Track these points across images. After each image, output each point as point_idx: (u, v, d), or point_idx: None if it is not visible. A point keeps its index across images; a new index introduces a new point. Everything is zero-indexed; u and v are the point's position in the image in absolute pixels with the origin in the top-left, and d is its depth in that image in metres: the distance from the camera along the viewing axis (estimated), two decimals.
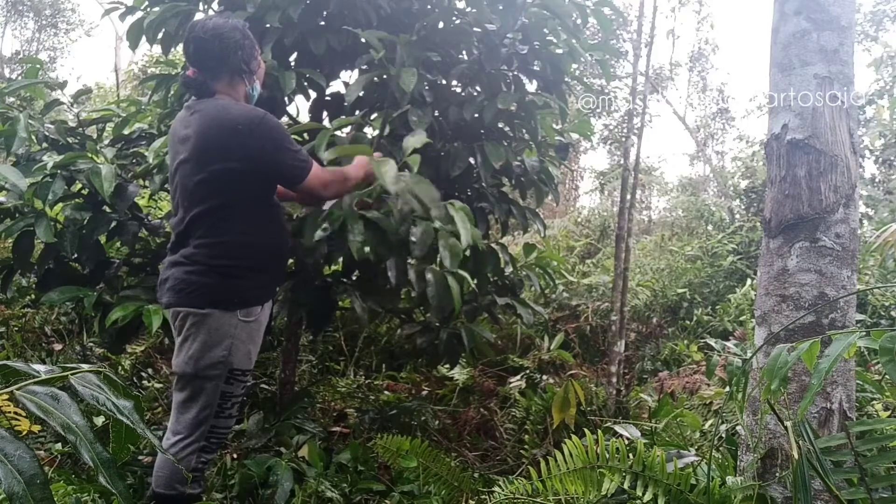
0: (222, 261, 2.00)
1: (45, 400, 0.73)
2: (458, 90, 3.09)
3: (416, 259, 2.48)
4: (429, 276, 2.61)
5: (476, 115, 2.83)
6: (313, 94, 3.02)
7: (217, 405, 2.01)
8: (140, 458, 2.64)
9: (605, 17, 3.00)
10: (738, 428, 2.18)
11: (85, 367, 0.83)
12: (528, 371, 4.38)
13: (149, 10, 2.87)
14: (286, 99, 2.87)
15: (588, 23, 3.09)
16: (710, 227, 8.55)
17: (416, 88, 2.53)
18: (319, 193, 2.15)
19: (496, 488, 2.23)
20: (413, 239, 2.29)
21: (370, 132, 2.67)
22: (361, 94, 2.77)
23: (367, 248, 2.26)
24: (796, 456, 1.42)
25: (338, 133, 2.79)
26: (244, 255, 2.02)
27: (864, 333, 1.21)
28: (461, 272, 2.52)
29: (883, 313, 4.81)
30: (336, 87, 3.12)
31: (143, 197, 3.62)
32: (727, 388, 3.00)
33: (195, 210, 2.00)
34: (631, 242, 5.48)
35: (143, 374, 3.95)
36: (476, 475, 2.91)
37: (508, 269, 3.33)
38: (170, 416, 2.09)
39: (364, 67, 2.74)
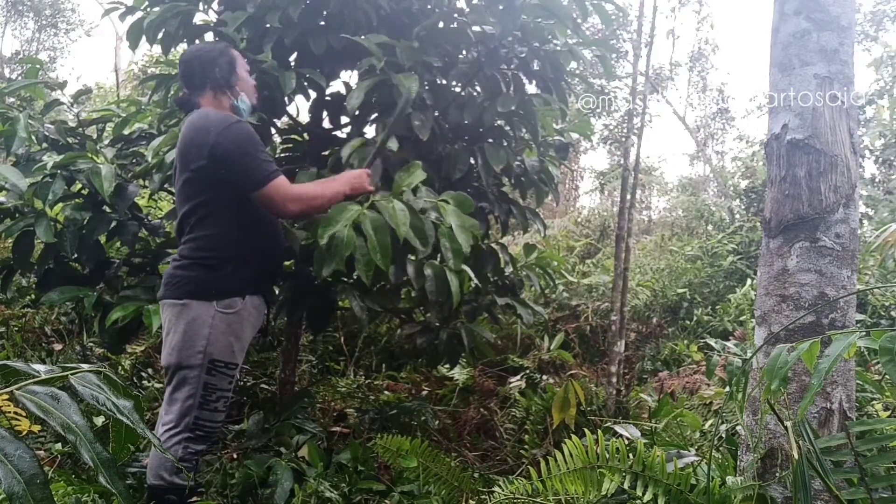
0: (203, 253, 2.11)
1: (45, 400, 0.73)
2: (458, 90, 3.09)
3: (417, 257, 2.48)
4: (427, 271, 2.60)
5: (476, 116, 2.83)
6: (313, 94, 3.01)
7: (201, 396, 2.07)
8: (140, 457, 2.64)
9: (606, 12, 2.99)
10: (738, 428, 2.18)
11: (85, 367, 0.83)
12: (528, 371, 4.38)
13: (149, 10, 2.86)
14: (286, 99, 2.87)
15: (588, 19, 3.09)
16: (710, 227, 8.54)
17: (417, 93, 2.54)
18: (279, 207, 2.13)
19: (496, 488, 2.23)
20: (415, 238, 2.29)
21: (370, 131, 2.67)
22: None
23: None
24: (796, 456, 1.42)
25: (337, 133, 2.80)
26: (224, 247, 2.11)
27: (864, 333, 1.21)
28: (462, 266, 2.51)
29: (883, 313, 4.81)
30: (336, 87, 3.13)
31: (143, 197, 3.63)
32: (727, 388, 3.00)
33: (184, 209, 2.14)
34: (631, 242, 5.48)
35: (143, 374, 3.95)
36: (476, 475, 2.91)
37: (508, 269, 3.33)
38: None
39: (365, 70, 2.74)
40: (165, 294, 2.13)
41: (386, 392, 4.02)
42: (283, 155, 3.27)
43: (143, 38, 2.89)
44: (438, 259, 2.62)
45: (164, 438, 2.05)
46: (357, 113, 2.90)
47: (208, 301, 2.06)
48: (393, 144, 2.53)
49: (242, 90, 2.28)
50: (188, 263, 2.11)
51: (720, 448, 2.43)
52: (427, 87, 2.78)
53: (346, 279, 2.94)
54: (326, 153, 3.05)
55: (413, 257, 2.60)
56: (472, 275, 2.86)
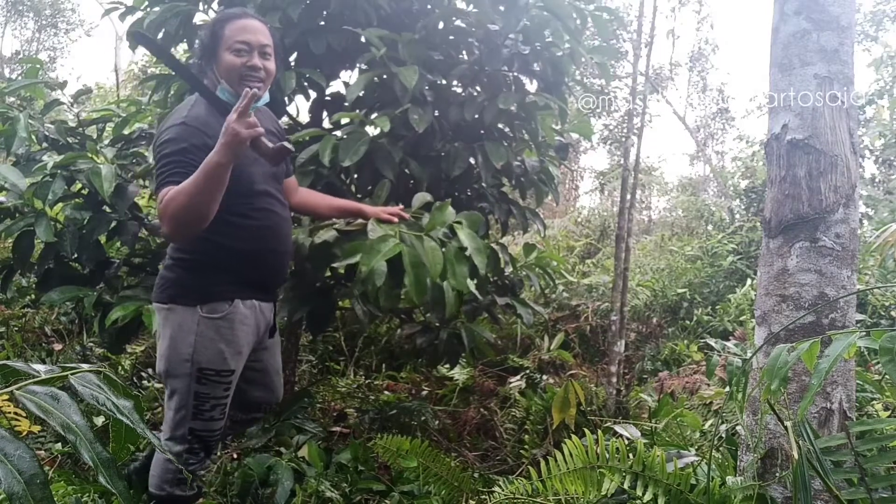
0: (181, 253, 1.98)
1: (45, 400, 0.73)
2: (459, 91, 3.09)
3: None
4: (427, 280, 2.60)
5: (476, 116, 2.83)
6: (313, 94, 3.02)
7: (193, 406, 1.93)
8: (139, 457, 2.64)
9: (603, 21, 3.02)
10: (738, 428, 2.18)
11: (85, 367, 0.83)
12: (528, 371, 4.38)
13: (149, 10, 2.87)
14: (286, 99, 2.87)
15: (587, 25, 3.10)
16: (710, 227, 8.55)
17: (417, 88, 2.54)
18: (161, 218, 1.83)
19: (496, 488, 2.23)
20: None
21: (370, 131, 2.67)
22: (361, 93, 2.77)
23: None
24: (796, 456, 1.42)
25: (336, 133, 2.81)
26: (200, 250, 1.94)
27: (864, 333, 1.21)
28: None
29: (883, 313, 4.81)
30: (336, 87, 3.13)
31: (143, 197, 3.63)
32: (727, 388, 3.00)
33: None
34: (631, 242, 5.48)
35: (143, 374, 3.95)
36: (476, 475, 2.91)
37: (508, 269, 3.33)
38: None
39: (364, 67, 2.74)
40: (153, 297, 2.03)
41: (386, 392, 4.02)
42: None
43: None
44: None
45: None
46: (357, 111, 2.91)
47: (192, 306, 1.92)
48: (385, 125, 2.51)
49: (222, 76, 1.95)
50: (170, 264, 1.99)
51: (720, 448, 2.43)
52: (428, 87, 2.79)
53: (345, 281, 2.94)
54: None
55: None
56: (473, 288, 2.83)
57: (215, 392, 1.96)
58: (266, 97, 2.05)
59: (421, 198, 2.51)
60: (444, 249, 2.23)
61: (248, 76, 1.94)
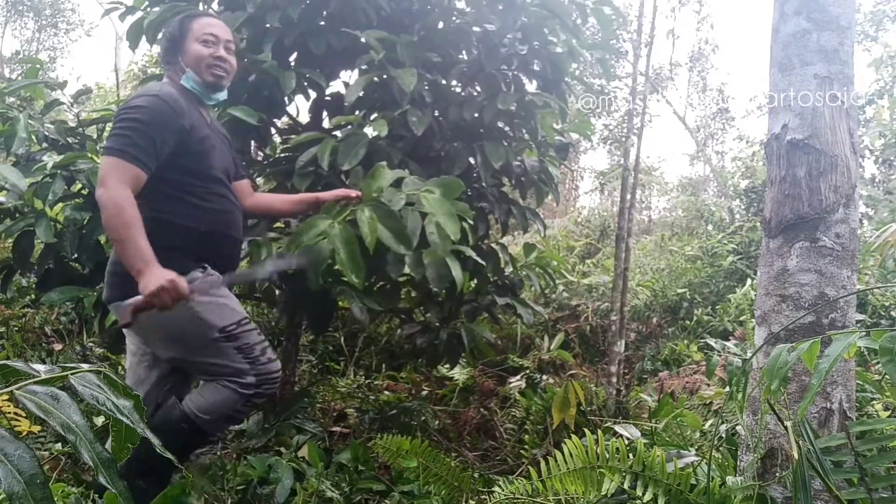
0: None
1: (45, 400, 0.73)
2: (458, 90, 3.09)
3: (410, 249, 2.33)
4: (426, 259, 2.58)
5: (476, 115, 2.83)
6: (313, 94, 3.02)
7: (245, 360, 1.95)
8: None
9: (605, 16, 3.01)
10: (738, 428, 2.18)
11: (85, 367, 0.83)
12: (528, 371, 4.38)
13: (149, 10, 2.87)
14: (286, 99, 2.87)
15: (588, 22, 3.10)
16: (710, 227, 8.55)
17: (416, 88, 2.54)
18: (99, 184, 1.84)
19: (496, 488, 2.23)
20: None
21: (370, 132, 2.67)
22: (361, 94, 2.77)
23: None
24: (796, 456, 1.42)
25: (336, 133, 2.81)
26: (158, 233, 1.87)
27: (864, 333, 1.21)
28: (461, 248, 2.47)
29: (883, 313, 4.81)
30: (336, 87, 3.13)
31: None
32: (727, 388, 3.00)
33: None
34: (631, 242, 5.48)
35: None
36: (476, 475, 2.91)
37: (508, 269, 3.33)
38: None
39: (364, 68, 2.74)
40: (114, 296, 1.94)
41: (386, 392, 4.02)
42: (283, 155, 3.27)
43: (143, 38, 2.89)
44: None
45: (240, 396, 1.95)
46: (357, 112, 2.91)
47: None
48: (383, 129, 2.50)
49: (188, 65, 2.05)
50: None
51: (720, 448, 2.43)
52: (427, 87, 2.79)
53: (345, 280, 2.94)
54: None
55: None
56: (474, 254, 2.79)
57: (251, 338, 1.99)
58: (224, 94, 2.15)
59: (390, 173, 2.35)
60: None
61: (214, 65, 2.07)
